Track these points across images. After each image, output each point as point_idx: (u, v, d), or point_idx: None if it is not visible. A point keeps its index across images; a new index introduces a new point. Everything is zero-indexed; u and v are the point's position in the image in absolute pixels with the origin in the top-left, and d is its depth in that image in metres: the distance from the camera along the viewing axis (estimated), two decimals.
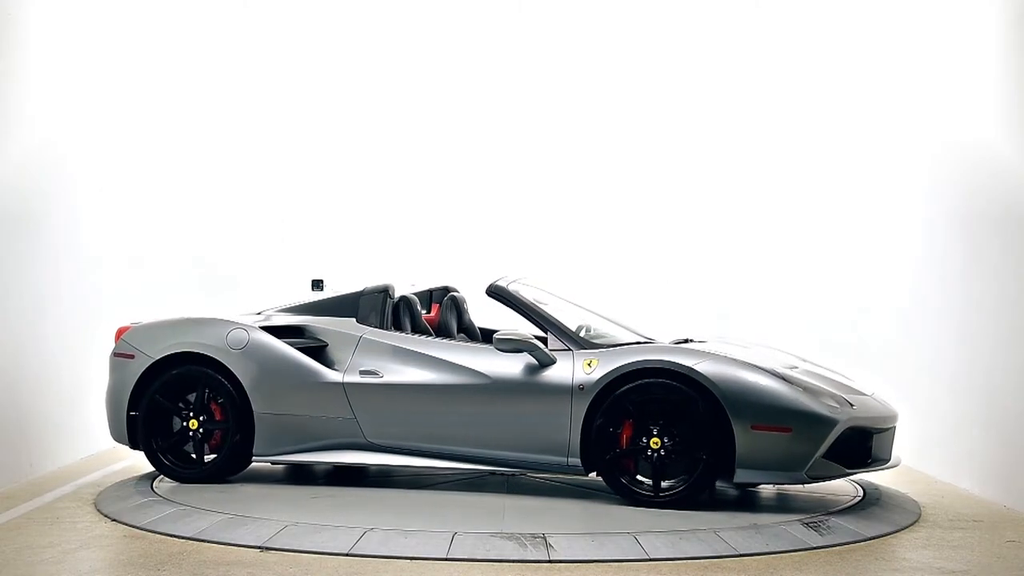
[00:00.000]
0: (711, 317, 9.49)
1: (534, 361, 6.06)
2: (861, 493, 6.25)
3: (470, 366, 6.22)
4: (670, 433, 5.71)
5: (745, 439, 5.56)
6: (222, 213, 9.67)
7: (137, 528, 5.39)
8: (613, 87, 10.01)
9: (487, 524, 5.31)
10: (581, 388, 5.88)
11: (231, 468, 6.63)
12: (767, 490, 6.33)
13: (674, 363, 5.73)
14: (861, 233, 8.78)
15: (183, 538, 5.14)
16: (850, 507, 5.84)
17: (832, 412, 5.62)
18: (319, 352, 6.65)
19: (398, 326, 6.70)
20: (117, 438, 6.78)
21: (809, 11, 9.39)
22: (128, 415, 6.67)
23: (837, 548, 5.06)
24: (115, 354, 6.83)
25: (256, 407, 6.52)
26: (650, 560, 4.74)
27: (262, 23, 9.78)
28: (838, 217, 9.09)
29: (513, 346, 6.04)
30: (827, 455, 5.61)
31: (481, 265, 9.22)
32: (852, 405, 5.74)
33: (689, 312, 9.30)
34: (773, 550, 4.94)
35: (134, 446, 6.70)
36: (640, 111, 9.98)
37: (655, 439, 5.72)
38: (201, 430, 6.60)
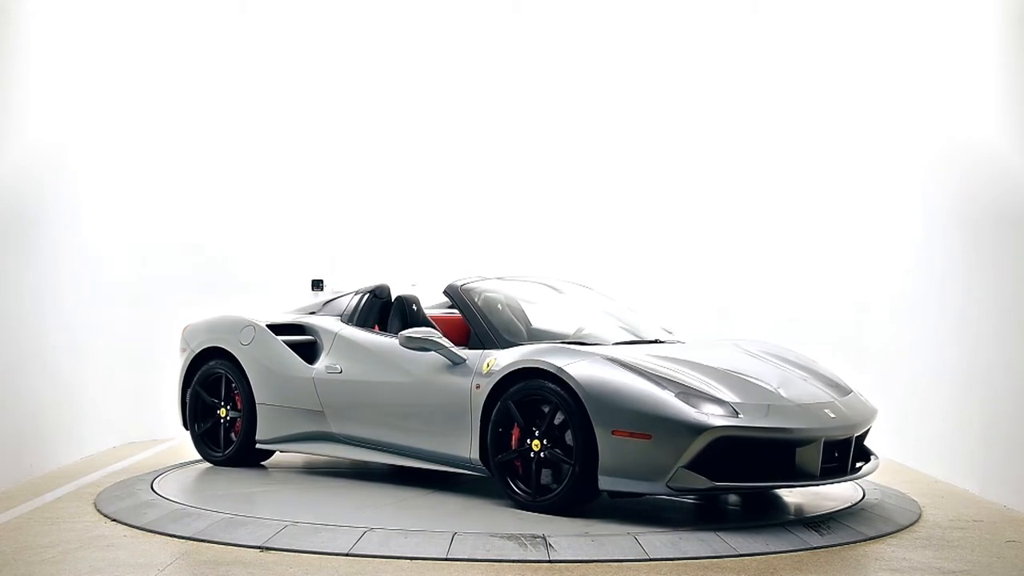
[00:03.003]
0: (711, 315, 9.49)
1: (449, 361, 6.15)
2: (861, 493, 6.24)
3: (402, 364, 6.40)
4: (551, 436, 5.54)
5: (606, 444, 5.28)
6: (224, 212, 9.67)
7: (137, 528, 5.40)
8: (612, 86, 10.01)
9: (487, 524, 5.31)
10: (477, 387, 5.89)
11: (246, 454, 7.20)
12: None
13: (547, 363, 5.57)
14: (861, 232, 8.78)
15: (183, 538, 5.14)
16: (850, 507, 5.84)
17: (700, 420, 5.16)
18: (311, 348, 7.05)
19: (384, 325, 6.90)
20: (181, 423, 7.56)
21: (809, 11, 9.39)
22: (182, 402, 7.49)
23: (837, 548, 5.06)
24: (180, 348, 7.61)
25: (257, 397, 7.10)
26: (650, 560, 4.74)
27: (260, 26, 9.78)
28: (838, 216, 9.09)
29: (417, 344, 6.20)
30: (731, 465, 5.23)
31: (484, 264, 9.22)
32: (738, 414, 5.26)
33: (689, 311, 9.30)
34: (773, 550, 4.94)
35: (187, 429, 7.52)
36: (640, 109, 9.98)
37: (536, 441, 5.59)
38: (228, 417, 7.25)
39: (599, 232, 9.97)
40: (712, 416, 5.20)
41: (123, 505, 5.89)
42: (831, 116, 9.13)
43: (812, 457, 5.40)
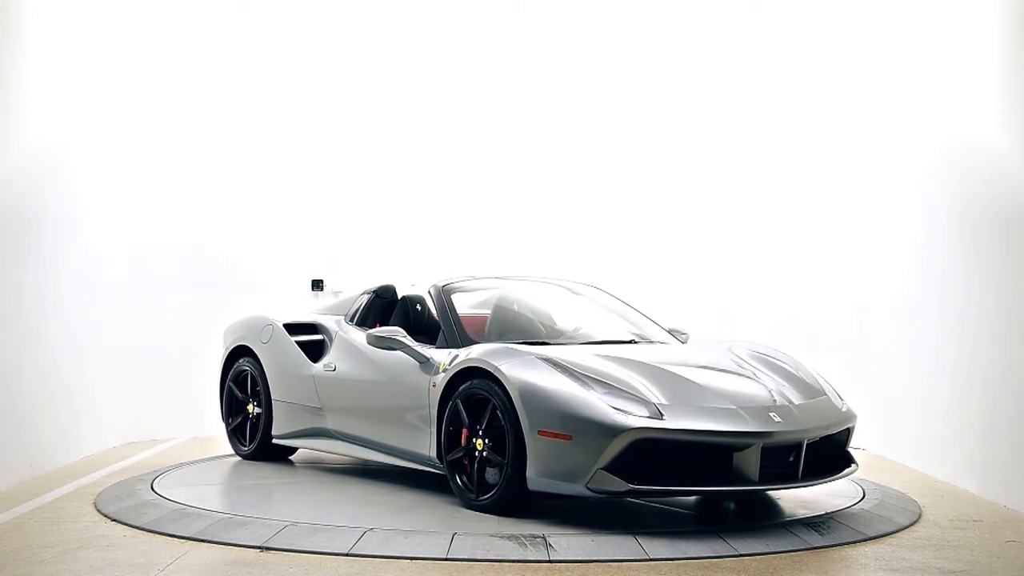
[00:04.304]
0: (712, 315, 9.49)
1: (415, 360, 6.24)
2: (861, 493, 6.24)
3: (379, 363, 6.53)
4: (492, 435, 5.53)
5: (533, 445, 5.26)
6: (224, 212, 9.66)
7: (137, 528, 5.39)
8: (613, 86, 10.00)
9: (487, 524, 5.31)
10: (434, 386, 5.96)
11: (266, 449, 7.41)
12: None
13: (486, 363, 5.58)
14: (861, 232, 8.78)
15: (183, 538, 5.14)
16: (850, 507, 5.84)
17: (618, 421, 5.07)
18: (320, 346, 7.21)
19: (384, 324, 6.95)
20: (221, 418, 7.85)
21: (809, 11, 9.39)
22: (220, 398, 7.79)
23: (837, 548, 5.06)
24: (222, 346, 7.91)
25: (273, 394, 7.33)
26: (650, 560, 4.74)
27: (260, 26, 9.77)
28: (838, 216, 9.09)
29: (384, 344, 6.36)
30: (657, 468, 5.12)
31: (485, 264, 9.23)
32: (663, 416, 5.16)
33: (690, 311, 9.29)
34: (773, 550, 4.94)
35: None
36: (641, 109, 9.97)
37: (480, 441, 5.60)
38: (255, 413, 7.49)
39: (600, 232, 9.96)
40: (632, 417, 5.11)
41: (123, 505, 5.89)
42: (831, 116, 9.12)
43: (750, 462, 5.23)
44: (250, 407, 7.52)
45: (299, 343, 7.24)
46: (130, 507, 5.82)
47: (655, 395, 5.35)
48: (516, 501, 5.45)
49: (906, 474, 7.28)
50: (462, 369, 5.75)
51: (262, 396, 7.40)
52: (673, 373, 5.65)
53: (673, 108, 9.93)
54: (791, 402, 5.64)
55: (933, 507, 6.09)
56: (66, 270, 7.80)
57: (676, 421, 5.17)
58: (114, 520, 5.59)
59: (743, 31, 9.79)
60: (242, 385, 7.60)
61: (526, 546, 4.87)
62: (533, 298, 7.07)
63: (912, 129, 7.80)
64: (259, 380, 7.42)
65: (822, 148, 9.24)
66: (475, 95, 10.02)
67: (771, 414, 5.42)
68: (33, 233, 7.15)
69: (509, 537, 5.01)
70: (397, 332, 6.34)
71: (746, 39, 9.77)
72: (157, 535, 5.24)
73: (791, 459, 5.43)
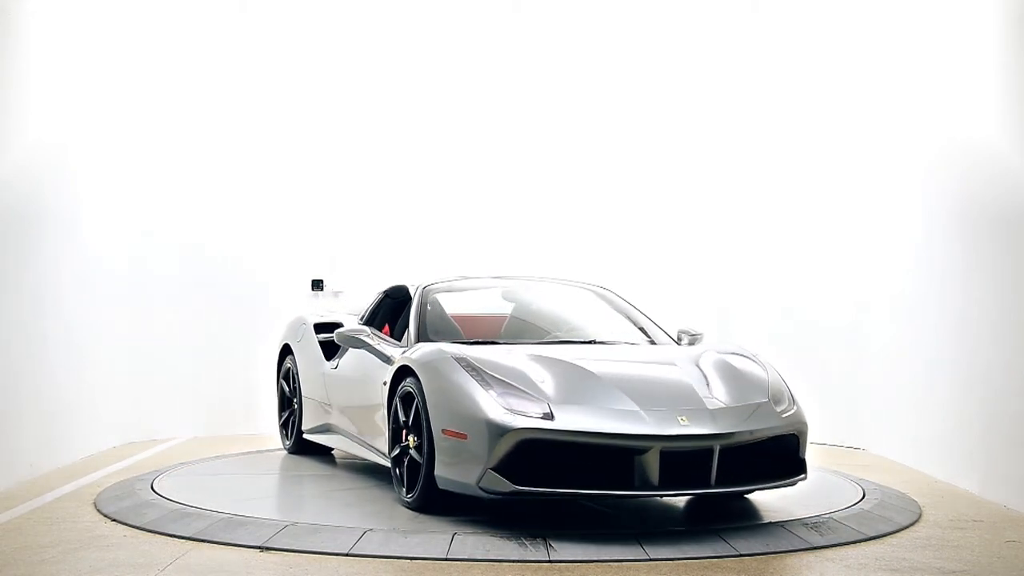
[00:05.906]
0: (712, 315, 9.49)
1: (378, 358, 6.36)
2: (861, 493, 6.24)
3: (361, 361, 6.69)
4: (417, 433, 5.56)
5: (440, 443, 5.31)
6: (224, 213, 9.66)
7: (137, 528, 5.39)
8: (613, 86, 10.01)
9: (487, 524, 5.31)
10: (385, 384, 6.04)
11: (301, 444, 7.68)
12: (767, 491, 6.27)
13: (412, 361, 5.65)
14: (861, 232, 8.78)
15: (183, 538, 5.14)
16: (850, 507, 5.84)
17: (503, 421, 5.05)
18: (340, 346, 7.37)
19: (394, 325, 6.99)
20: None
21: (809, 11, 9.39)
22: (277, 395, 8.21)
23: (837, 548, 5.06)
24: None
25: (303, 391, 7.62)
26: (650, 560, 4.74)
27: (260, 26, 9.77)
28: (838, 216, 9.09)
29: (350, 342, 6.49)
30: (553, 469, 5.06)
31: (484, 264, 9.23)
32: (553, 417, 5.10)
33: (690, 311, 9.30)
34: (773, 550, 4.94)
35: None
36: (641, 110, 9.98)
37: (411, 438, 5.62)
38: (295, 409, 7.78)
39: (600, 232, 9.97)
40: (520, 418, 5.08)
41: (123, 505, 5.89)
42: (831, 116, 9.13)
43: (650, 465, 5.08)
44: (295, 403, 7.78)
45: (325, 342, 7.44)
46: (130, 507, 5.82)
47: (554, 395, 5.28)
48: (432, 500, 5.47)
49: (906, 474, 7.28)
50: (400, 367, 5.81)
51: (298, 393, 7.67)
52: (591, 373, 5.50)
53: (673, 108, 9.93)
54: (709, 406, 5.37)
55: (933, 507, 6.09)
56: (66, 270, 7.80)
57: (565, 422, 5.10)
58: (114, 520, 5.59)
59: (743, 31, 9.79)
60: (288, 382, 7.94)
61: (526, 546, 4.87)
62: (546, 299, 7.13)
63: (912, 129, 7.80)
64: (295, 377, 7.72)
65: (822, 148, 9.24)
66: (475, 95, 10.02)
67: (680, 417, 5.22)
68: (33, 233, 7.15)
69: (509, 537, 5.01)
70: (360, 331, 6.47)
71: (746, 39, 9.77)
72: (157, 535, 5.24)
73: (711, 465, 5.20)
